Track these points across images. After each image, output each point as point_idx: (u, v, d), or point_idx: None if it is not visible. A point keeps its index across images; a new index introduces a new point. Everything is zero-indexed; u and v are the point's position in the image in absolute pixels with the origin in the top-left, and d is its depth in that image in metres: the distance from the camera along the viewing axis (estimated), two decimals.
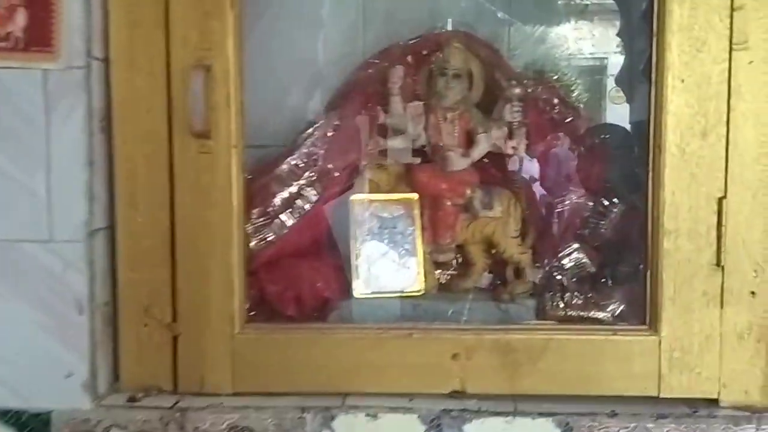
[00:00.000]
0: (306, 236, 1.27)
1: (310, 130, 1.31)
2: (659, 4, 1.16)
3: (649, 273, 1.17)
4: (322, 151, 1.28)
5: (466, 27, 1.39)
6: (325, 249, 1.29)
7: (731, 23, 1.14)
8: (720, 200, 1.15)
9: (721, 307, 1.15)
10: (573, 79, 1.47)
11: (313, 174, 1.29)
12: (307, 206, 1.27)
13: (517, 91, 1.35)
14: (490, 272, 1.36)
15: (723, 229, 1.14)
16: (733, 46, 1.14)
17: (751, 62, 1.14)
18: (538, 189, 1.36)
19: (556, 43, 1.59)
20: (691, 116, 1.15)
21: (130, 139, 1.16)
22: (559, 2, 1.63)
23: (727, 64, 1.14)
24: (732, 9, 1.14)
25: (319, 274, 1.25)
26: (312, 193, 1.28)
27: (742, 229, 1.15)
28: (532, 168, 1.36)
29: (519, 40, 1.51)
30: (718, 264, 1.15)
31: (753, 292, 1.15)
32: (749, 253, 1.15)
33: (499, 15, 1.48)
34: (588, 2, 1.63)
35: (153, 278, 1.17)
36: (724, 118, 1.15)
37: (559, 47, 1.58)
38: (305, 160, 1.28)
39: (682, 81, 1.15)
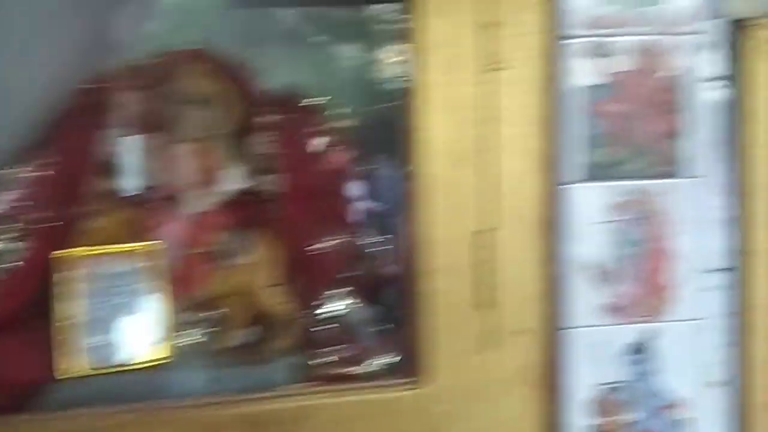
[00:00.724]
0: (6, 304, 1.03)
1: (13, 170, 1.07)
2: (414, 20, 1.06)
3: (413, 318, 1.06)
4: (28, 197, 1.06)
5: (212, 46, 1.22)
6: (32, 319, 1.05)
7: (491, 41, 1.05)
8: (487, 234, 1.06)
9: (492, 350, 1.05)
10: (344, 103, 1.34)
11: (16, 225, 1.05)
12: (7, 266, 1.04)
13: (272, 119, 1.19)
14: (246, 328, 1.18)
15: (491, 265, 1.06)
16: (493, 66, 1.06)
17: (512, 83, 1.06)
18: (297, 229, 1.21)
19: (325, 65, 1.46)
20: (451, 142, 1.04)
21: None
22: (341, 21, 1.51)
23: (487, 86, 1.05)
24: (491, 26, 1.05)
25: (22, 351, 1.01)
26: (13, 249, 1.05)
27: (512, 264, 1.05)
28: (291, 205, 1.21)
29: (278, 62, 1.36)
30: (486, 304, 1.05)
31: (525, 332, 1.06)
32: (520, 290, 1.06)
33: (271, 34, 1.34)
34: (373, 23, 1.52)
35: None
36: (487, 144, 1.06)
37: (330, 68, 1.45)
38: (6, 208, 1.05)
39: (440, 103, 1.04)
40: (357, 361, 1.10)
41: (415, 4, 1.03)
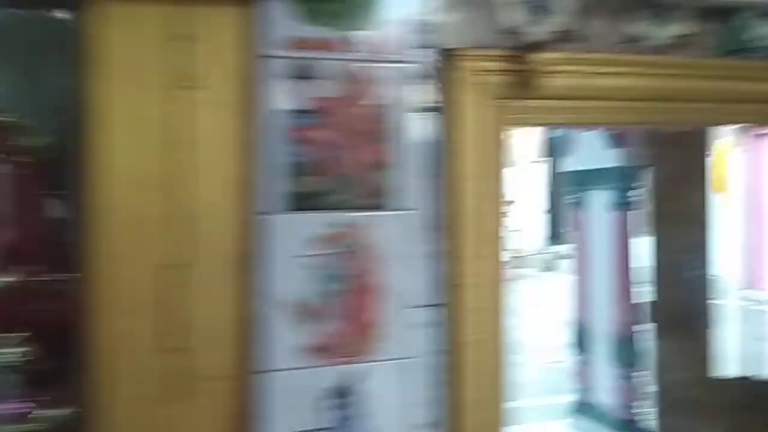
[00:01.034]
0: None
1: None
2: (94, 30, 0.92)
3: (91, 365, 0.92)
4: None
5: None
6: None
7: (182, 57, 0.94)
8: (177, 269, 0.94)
9: (181, 400, 0.93)
10: (33, 122, 1.16)
11: None
12: None
13: None
14: None
15: (181, 303, 0.94)
16: (186, 84, 0.95)
17: (207, 103, 0.96)
18: None
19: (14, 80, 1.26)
20: (134, 167, 0.92)
21: None
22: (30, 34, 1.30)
23: (178, 105, 0.94)
24: (182, 40, 0.94)
25: None
26: None
27: (204, 302, 0.94)
28: None
29: None
30: (175, 348, 0.93)
31: (219, 379, 0.94)
32: (214, 331, 0.95)
33: None
34: None
35: None
36: (178, 170, 0.94)
37: (18, 84, 1.26)
38: None
39: (122, 123, 0.92)
40: (21, 417, 0.95)
41: (95, 12, 0.92)
